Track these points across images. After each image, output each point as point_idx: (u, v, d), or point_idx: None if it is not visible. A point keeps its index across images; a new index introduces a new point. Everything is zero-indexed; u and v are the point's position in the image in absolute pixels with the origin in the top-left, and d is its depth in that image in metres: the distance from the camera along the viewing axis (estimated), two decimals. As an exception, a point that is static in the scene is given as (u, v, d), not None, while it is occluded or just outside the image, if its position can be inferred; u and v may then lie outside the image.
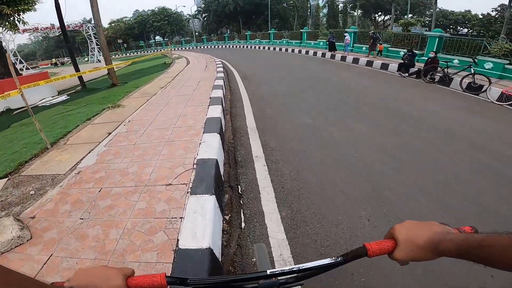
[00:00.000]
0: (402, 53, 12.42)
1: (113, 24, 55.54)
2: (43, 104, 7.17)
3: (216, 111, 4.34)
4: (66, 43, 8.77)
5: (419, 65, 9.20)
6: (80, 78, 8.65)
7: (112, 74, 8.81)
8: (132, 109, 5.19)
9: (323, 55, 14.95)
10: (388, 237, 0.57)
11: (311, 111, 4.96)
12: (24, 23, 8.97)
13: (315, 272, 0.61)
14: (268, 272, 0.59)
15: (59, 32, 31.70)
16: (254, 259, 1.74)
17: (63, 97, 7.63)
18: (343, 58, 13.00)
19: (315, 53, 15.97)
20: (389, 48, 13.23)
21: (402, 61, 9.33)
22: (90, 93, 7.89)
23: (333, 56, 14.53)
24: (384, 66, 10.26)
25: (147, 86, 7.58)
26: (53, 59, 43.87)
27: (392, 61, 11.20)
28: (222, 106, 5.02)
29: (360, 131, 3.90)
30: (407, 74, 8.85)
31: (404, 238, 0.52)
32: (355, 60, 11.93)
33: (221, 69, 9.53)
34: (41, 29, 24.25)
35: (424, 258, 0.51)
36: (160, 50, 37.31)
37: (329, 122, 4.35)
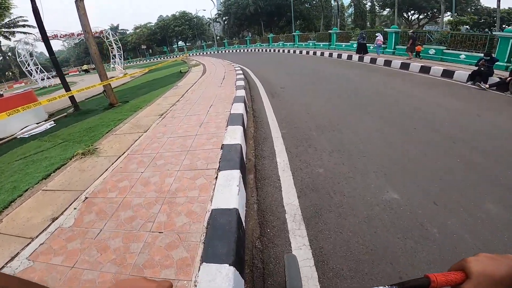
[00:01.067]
0: (463, 56, 9.92)
1: (137, 30, 56.36)
2: (22, 136, 5.73)
3: (230, 188, 2.37)
4: (50, 55, 7.36)
5: (499, 74, 6.80)
6: (72, 98, 7.17)
7: (109, 92, 7.25)
8: (106, 162, 3.40)
9: (361, 59, 12.62)
10: (456, 269, 0.51)
11: (392, 171, 2.85)
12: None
13: None
14: None
15: (79, 39, 32.03)
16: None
17: (48, 125, 6.17)
18: (387, 63, 10.66)
19: (349, 57, 13.65)
20: (445, 51, 10.66)
21: (476, 69, 6.96)
22: (80, 118, 6.37)
23: (361, 58, 12.36)
24: (447, 74, 7.84)
25: (146, 111, 5.90)
26: (84, 65, 44.96)
27: (450, 66, 8.84)
28: (242, 168, 2.84)
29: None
30: (487, 86, 6.43)
31: (479, 271, 0.47)
32: (404, 66, 9.63)
33: (242, 82, 7.64)
34: (60, 36, 24.03)
35: None
36: (181, 55, 36.58)
37: (435, 198, 2.30)
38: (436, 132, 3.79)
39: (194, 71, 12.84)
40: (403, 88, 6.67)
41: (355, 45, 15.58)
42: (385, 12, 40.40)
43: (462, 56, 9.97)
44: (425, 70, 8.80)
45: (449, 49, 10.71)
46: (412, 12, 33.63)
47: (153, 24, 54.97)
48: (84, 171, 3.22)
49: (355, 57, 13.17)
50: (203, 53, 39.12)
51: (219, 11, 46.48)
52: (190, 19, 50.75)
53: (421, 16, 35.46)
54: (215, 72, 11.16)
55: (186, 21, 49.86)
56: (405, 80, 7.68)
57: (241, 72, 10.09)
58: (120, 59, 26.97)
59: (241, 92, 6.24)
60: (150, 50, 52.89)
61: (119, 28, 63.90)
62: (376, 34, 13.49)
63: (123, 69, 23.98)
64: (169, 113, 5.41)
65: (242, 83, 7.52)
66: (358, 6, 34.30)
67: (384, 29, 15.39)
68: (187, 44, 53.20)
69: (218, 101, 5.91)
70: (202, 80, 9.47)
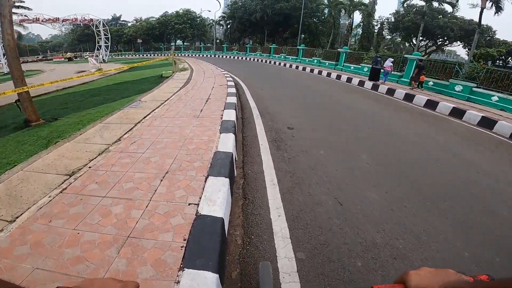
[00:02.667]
0: (495, 98, 7.99)
1: (136, 23, 53.34)
2: None
3: None
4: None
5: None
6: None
7: (26, 105, 4.67)
8: None
9: (375, 87, 10.52)
10: (398, 281, 0.55)
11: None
12: None
13: None
14: None
15: (63, 24, 28.88)
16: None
17: None
18: (409, 98, 8.61)
19: (361, 82, 11.50)
20: (474, 89, 8.71)
21: None
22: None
23: (375, 87, 10.33)
24: (487, 124, 5.82)
25: (59, 151, 3.37)
26: (68, 53, 41.47)
27: (484, 110, 7.12)
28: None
29: None
30: None
31: (417, 286, 0.50)
32: (430, 104, 7.44)
33: (232, 116, 5.20)
34: (42, 20, 21.06)
35: None
36: (170, 54, 33.81)
37: None
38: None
39: (176, 78, 10.32)
40: (443, 141, 4.43)
41: (366, 69, 13.60)
42: (388, 36, 39.36)
43: (495, 98, 8.07)
44: (459, 114, 6.78)
45: (479, 88, 8.83)
46: (421, 38, 32.49)
47: (155, 19, 52.11)
48: None
49: (368, 83, 11.07)
50: (199, 55, 36.55)
51: (224, 14, 44.31)
52: (193, 18, 48.28)
53: (429, 43, 34.47)
54: (200, 86, 8.67)
55: (189, 19, 47.30)
56: (440, 129, 5.51)
57: (234, 91, 7.66)
58: (106, 51, 24.05)
59: (228, 143, 3.78)
60: (147, 45, 49.85)
61: (121, 19, 60.60)
62: (390, 58, 11.55)
63: (104, 62, 20.94)
64: (77, 179, 2.87)
65: (232, 117, 5.05)
66: (367, 27, 32.90)
67: (404, 55, 13.42)
68: (185, 43, 50.51)
69: (188, 148, 3.43)
70: (178, 96, 6.96)
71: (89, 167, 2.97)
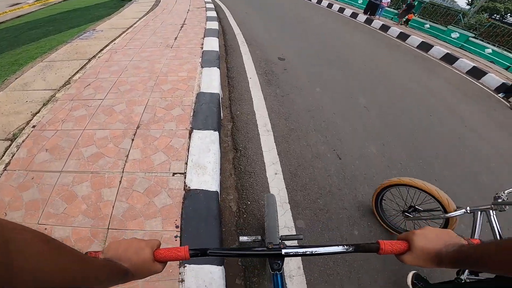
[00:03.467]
0: (489, 51, 7.64)
1: None
2: None
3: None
4: None
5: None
6: None
7: None
8: None
9: (369, 21, 9.02)
10: (403, 238, 0.57)
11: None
12: None
13: (325, 255, 0.65)
14: (283, 252, 0.63)
15: None
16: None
17: None
18: (402, 37, 7.61)
19: (354, 15, 9.80)
20: (471, 39, 8.13)
21: None
22: None
23: (369, 21, 9.11)
24: (476, 74, 5.35)
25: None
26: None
27: (476, 61, 6.71)
28: None
29: None
30: None
31: (420, 246, 0.53)
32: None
33: (215, 50, 4.09)
34: None
35: (426, 266, 0.53)
36: None
37: None
38: None
39: (140, 2, 8.21)
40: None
41: (360, 1, 11.49)
42: None
43: (488, 51, 7.55)
44: (451, 60, 6.05)
45: (477, 38, 8.20)
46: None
47: None
48: None
49: (361, 17, 9.49)
50: None
51: None
52: None
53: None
54: (172, 9, 6.87)
55: None
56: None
57: (214, 15, 6.14)
58: None
59: (212, 80, 2.92)
60: None
61: None
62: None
63: None
64: (20, 147, 2.07)
65: (215, 46, 3.97)
66: None
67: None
68: None
69: (156, 104, 2.59)
70: (145, 21, 5.46)
71: (33, 126, 2.15)
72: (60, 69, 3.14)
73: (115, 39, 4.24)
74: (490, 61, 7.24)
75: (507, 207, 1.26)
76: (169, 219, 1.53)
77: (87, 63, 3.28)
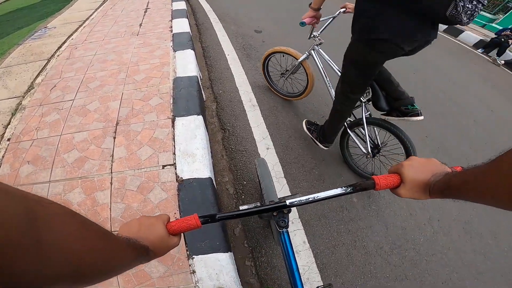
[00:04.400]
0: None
1: None
2: None
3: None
4: None
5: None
6: None
7: None
8: None
9: None
10: (393, 172, 0.58)
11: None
12: None
13: (326, 199, 0.64)
14: (288, 203, 0.65)
15: None
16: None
17: None
18: None
19: None
20: None
21: (495, 37, 5.47)
22: None
23: None
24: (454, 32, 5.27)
25: None
26: None
27: None
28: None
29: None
30: (502, 62, 4.96)
31: (410, 177, 0.54)
32: None
33: (186, 32, 3.81)
34: None
35: (419, 197, 0.54)
36: None
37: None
38: None
39: None
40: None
41: None
42: None
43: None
44: None
45: None
46: None
47: None
48: None
49: None
50: None
51: None
52: None
53: None
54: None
55: None
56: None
57: (183, 1, 5.69)
58: None
59: (188, 63, 2.80)
60: None
61: None
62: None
63: None
64: (1, 163, 1.92)
65: (185, 27, 3.74)
66: None
67: None
68: None
69: (132, 96, 2.44)
70: (103, 11, 4.97)
71: (8, 139, 1.98)
72: (19, 74, 2.85)
73: (72, 34, 3.87)
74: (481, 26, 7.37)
75: (321, 40, 1.93)
76: (167, 213, 1.50)
77: (46, 64, 2.99)
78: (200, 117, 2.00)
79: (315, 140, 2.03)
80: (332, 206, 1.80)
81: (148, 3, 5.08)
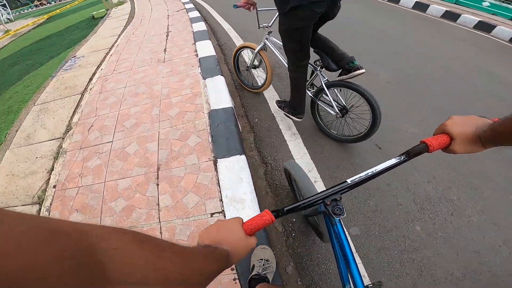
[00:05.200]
0: (486, 4, 7.18)
1: None
2: None
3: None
4: None
5: None
6: None
7: None
8: None
9: None
10: (439, 133, 0.61)
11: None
12: None
13: (384, 172, 0.65)
14: (349, 181, 0.66)
15: None
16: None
17: None
18: (393, 0, 6.95)
19: None
20: None
21: None
22: None
23: None
24: (485, 28, 4.83)
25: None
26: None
27: (466, 11, 6.48)
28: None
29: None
30: None
31: (458, 132, 0.56)
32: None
33: (212, 55, 3.78)
34: None
35: (473, 150, 0.56)
36: None
37: None
38: None
39: (114, 16, 7.68)
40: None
41: None
42: None
43: (486, 4, 6.96)
44: (453, 17, 5.63)
45: None
46: None
47: None
48: None
49: None
50: None
51: None
52: None
53: None
54: (151, 18, 6.35)
55: None
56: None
57: (198, 15, 5.71)
58: (4, 9, 17.74)
59: (220, 92, 2.71)
60: None
61: None
62: None
63: (10, 21, 15.37)
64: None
65: (210, 50, 3.69)
66: None
67: None
68: None
69: (169, 136, 2.37)
70: (126, 37, 5.07)
71: (54, 186, 1.97)
72: (56, 111, 2.90)
73: (100, 64, 3.94)
74: (492, 14, 6.82)
75: (270, 28, 2.26)
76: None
77: (81, 99, 3.03)
78: (243, 157, 1.89)
79: (289, 115, 2.24)
80: (392, 237, 1.67)
81: (168, 26, 5.12)
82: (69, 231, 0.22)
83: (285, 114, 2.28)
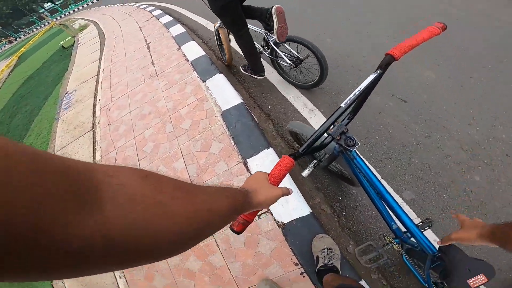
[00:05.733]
0: None
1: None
2: None
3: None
4: None
5: None
6: None
7: None
8: None
9: None
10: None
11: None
12: None
13: (369, 89, 0.75)
14: (343, 105, 0.74)
15: None
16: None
17: None
18: None
19: None
20: None
21: None
22: None
23: None
24: None
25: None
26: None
27: None
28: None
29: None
30: None
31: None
32: None
33: (202, 55, 3.67)
34: None
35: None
36: (56, 19, 23.80)
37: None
38: None
39: (84, 41, 7.39)
40: None
41: None
42: None
43: None
44: None
45: None
46: None
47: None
48: None
49: None
50: (89, 3, 24.46)
51: None
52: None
53: None
54: (123, 35, 6.11)
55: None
56: None
57: (170, 18, 5.47)
58: None
59: (224, 91, 2.68)
60: (7, 31, 35.26)
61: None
62: None
63: None
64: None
65: (198, 51, 3.59)
66: None
67: None
68: (57, 2, 35.42)
69: (190, 148, 2.39)
70: (107, 60, 4.94)
71: None
72: (77, 154, 2.95)
73: (96, 94, 3.91)
74: None
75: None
76: (284, 260, 1.50)
77: (94, 135, 3.06)
78: (271, 149, 1.92)
79: (252, 75, 2.53)
80: (452, 193, 1.59)
81: (144, 38, 4.93)
82: (79, 168, 0.24)
83: (250, 75, 2.59)
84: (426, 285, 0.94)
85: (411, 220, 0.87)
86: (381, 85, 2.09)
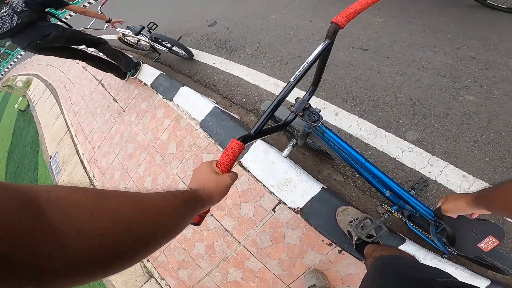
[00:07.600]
0: None
1: None
2: None
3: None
4: None
5: None
6: None
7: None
8: None
9: None
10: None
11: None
12: None
13: (323, 59, 0.74)
14: (292, 79, 0.70)
15: None
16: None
17: None
18: None
19: None
20: None
21: None
22: None
23: None
24: None
25: None
26: None
27: None
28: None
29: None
30: None
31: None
32: None
33: (158, 73, 3.51)
34: None
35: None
36: None
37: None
38: None
39: (37, 98, 6.93)
40: None
41: None
42: None
43: None
44: None
45: None
46: None
47: None
48: None
49: None
50: (18, 56, 21.85)
51: None
52: None
53: None
54: (72, 81, 5.77)
55: None
56: None
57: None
58: None
59: (195, 103, 2.69)
60: None
61: None
62: None
63: None
64: None
65: (153, 72, 3.47)
66: None
67: None
68: None
69: (168, 152, 2.45)
70: (71, 111, 4.73)
71: None
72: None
73: (77, 150, 3.86)
74: None
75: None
76: (316, 243, 1.58)
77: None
78: (259, 141, 1.99)
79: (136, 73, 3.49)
80: (454, 121, 1.55)
81: (93, 76, 4.68)
82: (16, 187, 0.24)
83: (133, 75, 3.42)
84: (441, 250, 0.88)
85: (401, 186, 0.81)
86: (339, 41, 2.11)
